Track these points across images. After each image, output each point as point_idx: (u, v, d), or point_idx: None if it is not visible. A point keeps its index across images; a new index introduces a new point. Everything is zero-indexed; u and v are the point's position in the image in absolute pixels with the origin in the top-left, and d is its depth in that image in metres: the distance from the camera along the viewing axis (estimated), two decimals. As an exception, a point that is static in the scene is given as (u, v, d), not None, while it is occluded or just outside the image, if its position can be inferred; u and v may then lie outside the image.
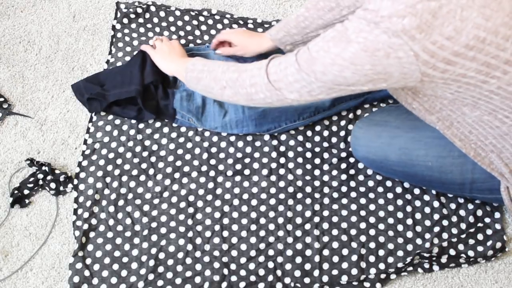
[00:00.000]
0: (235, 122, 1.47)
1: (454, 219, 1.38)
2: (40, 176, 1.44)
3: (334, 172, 1.45)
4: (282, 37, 1.41)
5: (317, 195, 1.42)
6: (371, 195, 1.42)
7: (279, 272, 1.34)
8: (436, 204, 1.40)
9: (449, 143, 1.22)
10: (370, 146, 1.34)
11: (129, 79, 1.50)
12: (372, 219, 1.39)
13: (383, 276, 1.32)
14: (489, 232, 1.36)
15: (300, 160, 1.47)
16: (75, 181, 1.46)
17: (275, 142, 1.49)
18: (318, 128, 1.51)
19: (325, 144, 1.49)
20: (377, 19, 0.93)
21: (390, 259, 1.35)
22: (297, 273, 1.34)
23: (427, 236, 1.37)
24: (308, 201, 1.42)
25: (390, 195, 1.42)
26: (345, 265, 1.34)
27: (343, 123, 1.51)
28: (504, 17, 0.93)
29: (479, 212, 1.39)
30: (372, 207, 1.41)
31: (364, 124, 1.36)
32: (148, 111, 1.48)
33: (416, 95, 1.11)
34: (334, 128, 1.51)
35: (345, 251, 1.36)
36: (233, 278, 1.33)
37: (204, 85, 1.27)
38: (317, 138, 1.50)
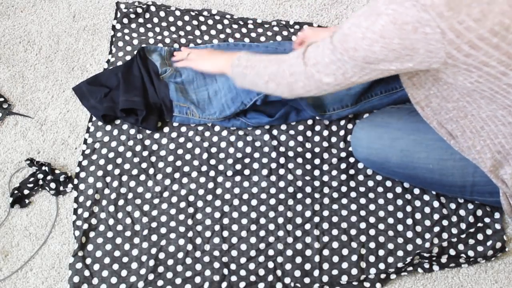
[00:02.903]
0: (230, 99, 1.48)
1: (454, 219, 1.38)
2: (40, 176, 1.44)
3: (334, 172, 1.45)
4: None
5: (317, 195, 1.42)
6: (371, 195, 1.42)
7: (279, 272, 1.34)
8: (436, 204, 1.40)
9: (450, 146, 1.22)
10: (371, 148, 1.33)
11: (132, 86, 1.52)
12: (372, 219, 1.39)
13: (383, 276, 1.32)
14: (489, 232, 1.36)
15: (300, 160, 1.47)
16: (75, 181, 1.45)
17: (275, 143, 1.49)
18: (318, 128, 1.51)
19: (325, 144, 1.49)
20: None
21: (390, 259, 1.35)
22: (297, 273, 1.34)
23: (427, 236, 1.37)
24: (308, 201, 1.42)
25: (390, 195, 1.42)
26: (345, 265, 1.34)
27: (342, 122, 1.51)
28: None
29: (479, 212, 1.39)
30: (372, 207, 1.41)
31: (365, 124, 1.35)
32: (148, 127, 1.50)
33: (437, 82, 1.11)
34: (334, 128, 1.51)
35: (345, 251, 1.36)
36: (233, 278, 1.33)
37: (250, 80, 1.29)
38: (316, 138, 1.50)
